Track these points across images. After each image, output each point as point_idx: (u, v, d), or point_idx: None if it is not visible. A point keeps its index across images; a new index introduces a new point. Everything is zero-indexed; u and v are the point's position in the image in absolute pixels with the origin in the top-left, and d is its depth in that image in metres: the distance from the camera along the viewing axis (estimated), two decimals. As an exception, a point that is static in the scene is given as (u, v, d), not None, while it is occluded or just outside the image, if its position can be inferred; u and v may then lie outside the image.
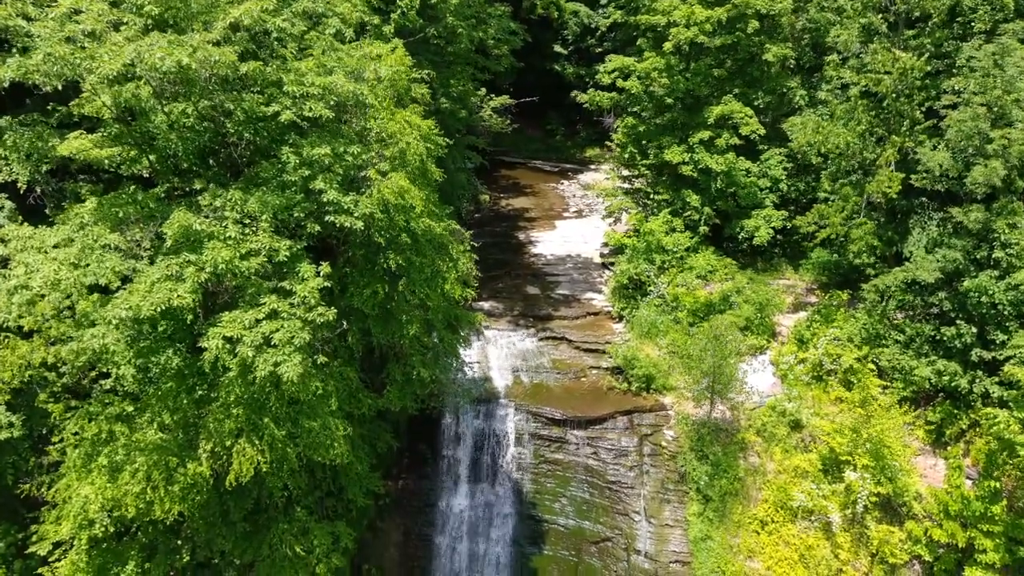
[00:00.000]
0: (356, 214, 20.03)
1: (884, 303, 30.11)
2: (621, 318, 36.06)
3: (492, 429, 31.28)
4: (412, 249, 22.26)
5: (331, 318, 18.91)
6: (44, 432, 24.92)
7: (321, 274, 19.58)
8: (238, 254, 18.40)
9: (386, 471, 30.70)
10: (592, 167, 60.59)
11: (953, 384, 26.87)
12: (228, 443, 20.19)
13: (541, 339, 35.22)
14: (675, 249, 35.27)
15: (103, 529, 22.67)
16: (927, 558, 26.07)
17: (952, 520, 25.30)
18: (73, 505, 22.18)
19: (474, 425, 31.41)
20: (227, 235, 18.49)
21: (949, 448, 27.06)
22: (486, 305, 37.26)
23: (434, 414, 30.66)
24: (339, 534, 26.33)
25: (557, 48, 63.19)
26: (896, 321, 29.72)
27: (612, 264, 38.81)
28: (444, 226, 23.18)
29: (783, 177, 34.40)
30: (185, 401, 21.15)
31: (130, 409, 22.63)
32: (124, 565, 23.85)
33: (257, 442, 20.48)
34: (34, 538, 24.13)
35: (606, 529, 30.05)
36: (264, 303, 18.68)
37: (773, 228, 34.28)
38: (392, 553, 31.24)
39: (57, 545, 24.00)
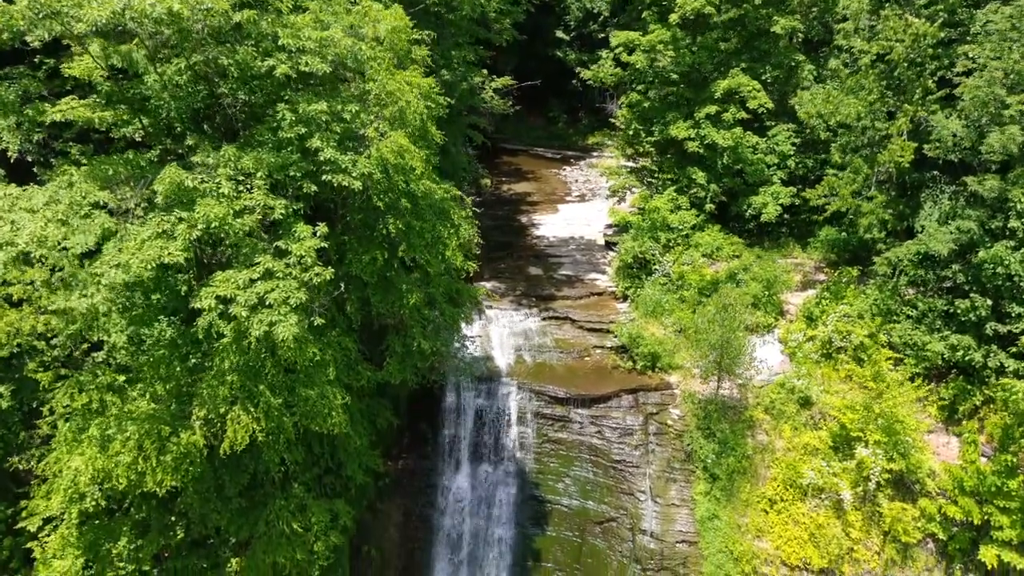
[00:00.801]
0: (354, 174, 19.38)
1: (896, 278, 29.45)
2: (625, 298, 35.41)
3: (494, 408, 30.61)
4: (412, 213, 21.61)
5: (328, 277, 18.27)
6: (35, 406, 24.32)
7: (318, 234, 18.93)
8: (231, 211, 17.76)
9: (386, 451, 30.04)
10: (595, 154, 60.02)
11: (967, 358, 26.18)
12: (222, 410, 19.55)
13: (544, 319, 34.57)
14: (680, 227, 34.61)
15: (94, 503, 22.06)
16: (941, 536, 25.39)
17: (967, 496, 24.61)
18: (63, 478, 21.59)
19: (475, 404, 30.74)
20: (220, 192, 17.84)
21: (964, 423, 26.35)
22: (488, 285, 36.55)
23: (435, 388, 30.03)
24: (338, 511, 25.69)
25: (559, 34, 62.53)
26: (908, 297, 29.03)
27: (616, 245, 38.14)
28: (445, 189, 22.49)
29: (791, 152, 33.69)
30: (178, 368, 20.56)
31: (122, 379, 22.00)
32: (116, 541, 23.21)
33: (252, 410, 19.84)
34: (24, 514, 23.48)
35: (611, 509, 29.37)
36: (259, 262, 18.03)
37: (781, 205, 33.60)
38: (392, 534, 30.58)
39: (48, 521, 23.34)
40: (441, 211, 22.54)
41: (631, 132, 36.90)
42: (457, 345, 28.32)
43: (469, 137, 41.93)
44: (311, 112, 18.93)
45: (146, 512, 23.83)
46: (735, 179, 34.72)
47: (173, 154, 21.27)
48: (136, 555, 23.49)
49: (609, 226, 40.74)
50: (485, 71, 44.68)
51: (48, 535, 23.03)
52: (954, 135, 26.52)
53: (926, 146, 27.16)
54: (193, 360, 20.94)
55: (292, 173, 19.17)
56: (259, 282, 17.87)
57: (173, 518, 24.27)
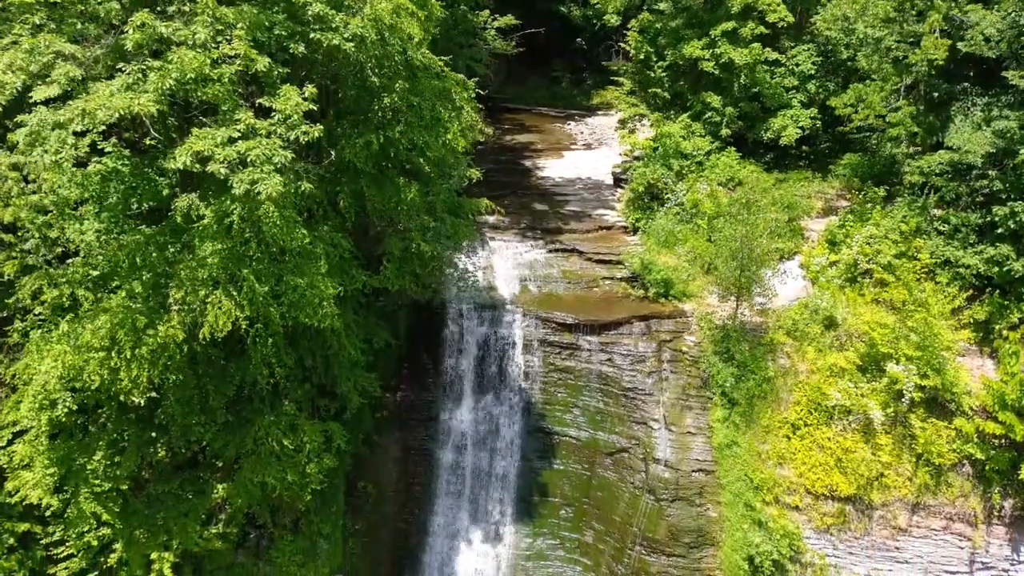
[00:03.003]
0: (346, 35, 17.66)
1: (925, 196, 27.75)
2: (636, 230, 33.68)
3: (498, 336, 28.87)
4: (410, 91, 19.87)
5: (317, 135, 16.54)
6: (5, 315, 22.67)
7: (307, 96, 17.22)
8: (208, 61, 16.04)
9: (384, 383, 28.28)
10: (600, 112, 58.40)
11: (1006, 269, 24.47)
12: (202, 293, 17.81)
13: (550, 251, 32.79)
14: (694, 153, 32.88)
15: (66, 410, 20.42)
16: (979, 456, 23.66)
17: (1009, 411, 22.88)
18: (33, 384, 20.00)
19: (479, 332, 29.00)
20: (196, 39, 16.12)
21: (1006, 334, 24.54)
22: (491, 219, 34.78)
23: (436, 315, 28.35)
24: (332, 433, 24.03)
25: (563, -13, 60.75)
26: (939, 214, 27.33)
27: (625, 181, 36.44)
28: (446, 63, 20.73)
29: (812, 71, 31.94)
30: (154, 255, 18.83)
31: (95, 274, 20.30)
32: (91, 457, 21.55)
33: (235, 295, 18.11)
34: (-10, 428, 21.84)
35: (622, 439, 27.64)
36: (240, 119, 16.33)
37: (801, 128, 31.81)
38: (390, 469, 28.89)
39: (18, 435, 21.72)
40: (442, 91, 20.82)
41: (642, 56, 35.12)
42: (462, 257, 26.61)
43: (471, 71, 40.13)
44: (298, -39, 17.23)
45: (125, 428, 22.19)
46: (752, 103, 32.95)
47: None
48: (113, 473, 21.84)
49: (618, 165, 39.05)
50: (487, 11, 43.20)
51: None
52: (989, 30, 24.83)
53: (960, 43, 25.42)
54: (172, 250, 19.27)
55: (277, 32, 17.47)
56: (240, 141, 16.18)
57: (153, 433, 22.62)
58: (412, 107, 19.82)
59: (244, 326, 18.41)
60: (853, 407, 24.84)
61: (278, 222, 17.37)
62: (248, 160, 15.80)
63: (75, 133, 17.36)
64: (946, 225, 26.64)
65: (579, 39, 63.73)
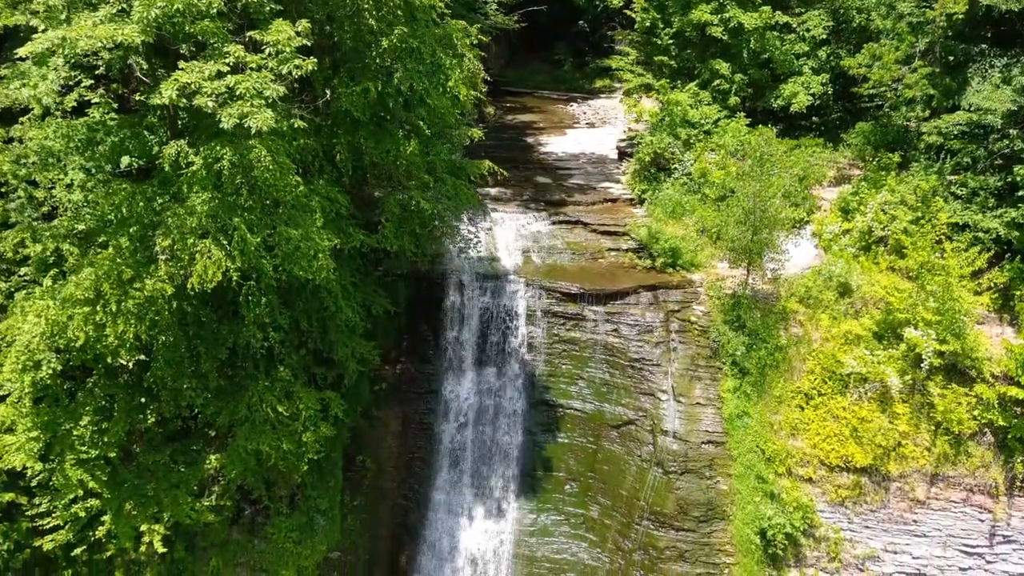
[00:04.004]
0: (342, -31, 16.83)
1: (941, 162, 26.86)
2: (642, 202, 32.80)
3: (501, 307, 27.99)
4: (410, 35, 19.01)
5: (311, 68, 15.67)
6: (-11, 276, 21.81)
7: (300, 32, 16.36)
8: (196, -11, 15.20)
9: (384, 355, 27.43)
10: (603, 95, 57.62)
11: (1028, 232, 23.63)
12: (190, 241, 16.95)
13: (554, 223, 31.91)
14: (702, 122, 31.98)
15: (50, 371, 19.52)
16: (1001, 422, 22.75)
17: (1032, 375, 22.02)
18: (16, 345, 19.16)
19: (481, 303, 28.13)
20: (183, -34, 15.26)
21: (1029, 294, 23.70)
22: (493, 191, 34.00)
23: (436, 287, 27.48)
24: (329, 401, 23.13)
25: (566, -31, 59.89)
26: (956, 179, 26.45)
27: (630, 155, 35.57)
28: (447, 4, 19.89)
29: (824, 36, 31.07)
30: (141, 205, 17.98)
31: (80, 228, 19.45)
32: (77, 422, 20.70)
33: (226, 245, 17.26)
34: (-29, 393, 20.96)
35: (629, 411, 26.76)
36: (229, 52, 15.47)
37: (812, 95, 30.94)
38: (390, 443, 28.02)
39: (1, 399, 20.87)
40: (443, 37, 19.94)
41: (648, 24, 34.23)
42: (464, 222, 25.78)
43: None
44: None
45: (113, 392, 21.34)
46: (761, 71, 32.09)
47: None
48: (100, 440, 21.00)
49: (623, 139, 38.21)
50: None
51: (0, 413, 20.54)
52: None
53: (980, -1, 24.60)
54: (160, 201, 18.42)
55: (270, -34, 16.63)
56: (229, 76, 15.33)
57: (143, 399, 21.77)
58: (411, 52, 18.96)
59: (236, 278, 17.55)
60: (869, 375, 23.96)
61: (270, 167, 16.54)
62: (237, 94, 14.95)
63: (61, 88, 16.75)
64: (963, 189, 25.78)
65: (581, 21, 62.87)
